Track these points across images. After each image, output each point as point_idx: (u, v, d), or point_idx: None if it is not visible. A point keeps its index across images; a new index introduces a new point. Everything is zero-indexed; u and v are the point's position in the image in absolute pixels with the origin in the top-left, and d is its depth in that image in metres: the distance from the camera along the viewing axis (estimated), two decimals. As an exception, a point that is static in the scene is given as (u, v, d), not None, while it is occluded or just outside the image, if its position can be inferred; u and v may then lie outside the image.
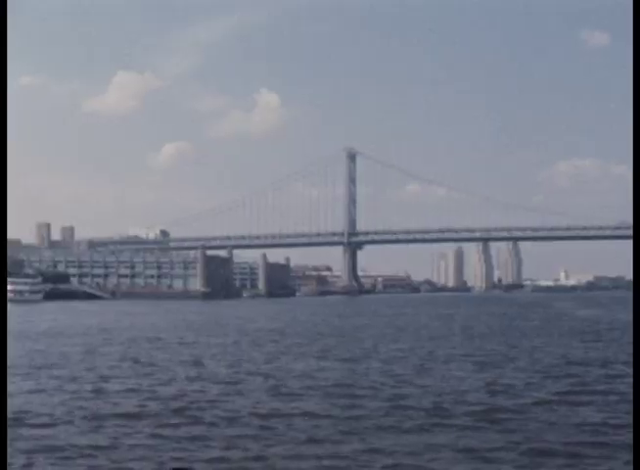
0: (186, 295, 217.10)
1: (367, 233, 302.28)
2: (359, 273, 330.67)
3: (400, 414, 23.62)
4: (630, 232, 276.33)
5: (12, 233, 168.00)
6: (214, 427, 21.75)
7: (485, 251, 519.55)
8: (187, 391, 28.61)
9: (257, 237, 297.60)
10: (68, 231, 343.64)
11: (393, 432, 21.10)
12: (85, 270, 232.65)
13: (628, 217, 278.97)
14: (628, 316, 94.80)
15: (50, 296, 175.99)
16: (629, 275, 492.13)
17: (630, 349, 45.81)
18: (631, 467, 15.26)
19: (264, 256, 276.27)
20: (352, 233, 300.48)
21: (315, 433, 20.78)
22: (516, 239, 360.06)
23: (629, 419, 22.32)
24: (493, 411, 24.15)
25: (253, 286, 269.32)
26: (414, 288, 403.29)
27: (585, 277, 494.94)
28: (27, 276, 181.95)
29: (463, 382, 31.10)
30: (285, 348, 48.61)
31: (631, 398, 26.73)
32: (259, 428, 21.52)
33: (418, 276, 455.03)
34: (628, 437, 19.88)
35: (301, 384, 30.49)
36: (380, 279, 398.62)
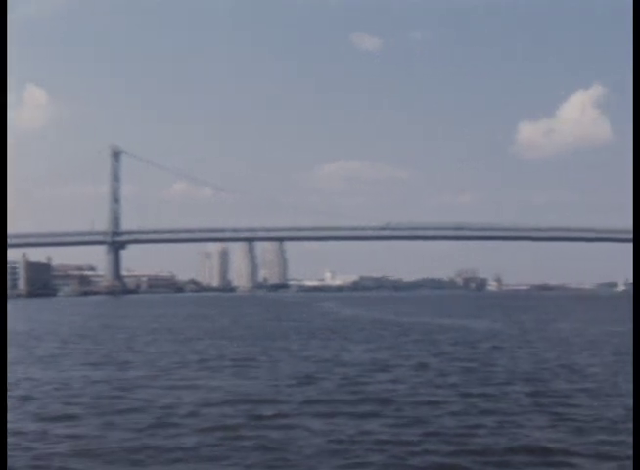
0: None
1: (131, 232, 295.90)
2: (124, 273, 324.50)
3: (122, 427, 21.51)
4: (395, 233, 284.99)
5: None
6: None
7: (251, 250, 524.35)
8: None
9: (17, 235, 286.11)
10: None
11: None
12: None
13: (393, 219, 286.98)
14: (389, 316, 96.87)
15: None
16: (395, 275, 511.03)
17: (395, 350, 45.82)
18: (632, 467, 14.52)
19: (24, 255, 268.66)
20: (116, 232, 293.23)
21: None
22: (281, 239, 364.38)
23: (395, 433, 20.69)
24: (224, 426, 21.63)
25: (14, 286, 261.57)
26: (179, 288, 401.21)
27: (350, 277, 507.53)
28: None
29: (209, 389, 28.92)
30: (26, 352, 45.33)
31: (394, 404, 25.40)
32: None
33: (183, 276, 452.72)
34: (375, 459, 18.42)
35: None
36: (144, 279, 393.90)
